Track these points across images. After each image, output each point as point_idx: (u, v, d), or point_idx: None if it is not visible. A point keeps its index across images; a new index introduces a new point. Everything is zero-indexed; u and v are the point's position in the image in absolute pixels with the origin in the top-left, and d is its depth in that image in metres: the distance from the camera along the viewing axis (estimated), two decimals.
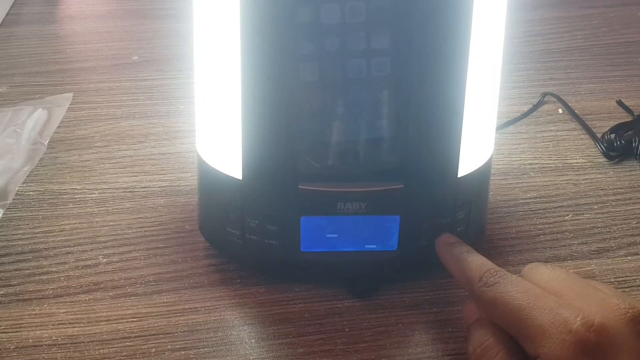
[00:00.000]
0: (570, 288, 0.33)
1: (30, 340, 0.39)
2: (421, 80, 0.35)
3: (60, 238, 0.46)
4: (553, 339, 0.31)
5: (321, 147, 0.37)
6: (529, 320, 0.32)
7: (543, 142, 0.57)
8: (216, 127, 0.39)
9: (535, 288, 0.33)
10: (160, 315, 0.41)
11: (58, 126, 0.58)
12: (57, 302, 0.41)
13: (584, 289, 0.33)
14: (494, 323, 0.35)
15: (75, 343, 0.39)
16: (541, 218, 0.48)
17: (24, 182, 0.51)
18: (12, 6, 0.81)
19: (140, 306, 0.41)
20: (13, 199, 0.49)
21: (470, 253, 0.38)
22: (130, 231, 0.47)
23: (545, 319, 0.31)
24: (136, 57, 0.70)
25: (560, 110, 0.61)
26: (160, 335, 0.39)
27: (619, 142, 0.54)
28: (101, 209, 0.49)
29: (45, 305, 0.41)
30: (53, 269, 0.44)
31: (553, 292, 0.33)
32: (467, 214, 0.40)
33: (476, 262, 0.37)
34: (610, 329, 0.30)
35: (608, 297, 0.32)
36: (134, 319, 0.40)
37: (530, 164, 0.54)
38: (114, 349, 0.38)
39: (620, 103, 0.61)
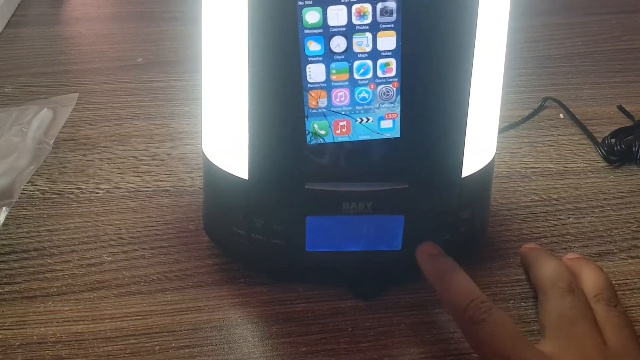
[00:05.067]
0: (561, 330, 0.35)
1: (35, 337, 0.39)
2: (427, 82, 0.36)
3: (64, 236, 0.46)
4: None
5: (327, 147, 0.37)
6: None
7: (544, 146, 0.57)
8: (223, 127, 0.39)
9: (521, 337, 0.34)
10: (164, 313, 0.41)
11: (63, 126, 0.58)
12: (62, 300, 0.42)
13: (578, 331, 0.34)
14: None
15: (80, 340, 0.39)
16: (542, 221, 0.49)
17: (29, 181, 0.51)
18: (17, 8, 0.81)
19: (144, 304, 0.41)
20: (18, 198, 0.50)
21: (454, 272, 0.37)
22: (134, 230, 0.47)
23: None
24: (141, 59, 0.70)
25: (561, 115, 0.61)
26: (164, 333, 0.39)
27: (619, 147, 0.55)
28: (105, 208, 0.49)
29: (49, 303, 0.41)
30: (57, 267, 0.44)
31: (547, 327, 0.35)
32: (471, 214, 0.41)
33: (461, 286, 0.36)
34: None
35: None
36: (138, 317, 0.40)
37: (532, 167, 0.54)
38: (118, 346, 0.39)
39: (620, 108, 0.61)
